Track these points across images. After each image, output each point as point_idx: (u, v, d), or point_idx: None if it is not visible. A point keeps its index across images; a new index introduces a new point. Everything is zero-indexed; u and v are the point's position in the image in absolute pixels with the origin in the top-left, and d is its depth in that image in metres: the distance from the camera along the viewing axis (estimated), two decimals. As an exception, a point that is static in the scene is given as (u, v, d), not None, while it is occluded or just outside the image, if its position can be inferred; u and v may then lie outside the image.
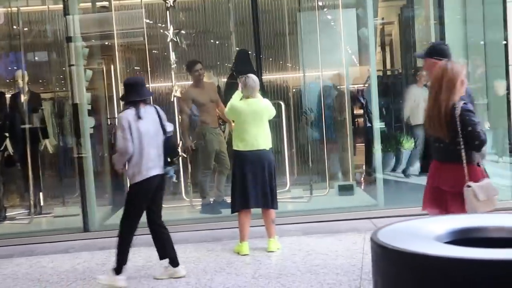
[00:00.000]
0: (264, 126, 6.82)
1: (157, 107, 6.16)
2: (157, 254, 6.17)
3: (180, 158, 9.02)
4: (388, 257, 2.20)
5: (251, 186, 6.72)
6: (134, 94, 5.93)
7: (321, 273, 5.94)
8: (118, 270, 5.88)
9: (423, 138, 9.60)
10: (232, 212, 6.98)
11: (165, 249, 6.10)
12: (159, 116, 6.01)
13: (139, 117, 5.80)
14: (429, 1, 8.69)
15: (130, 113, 5.81)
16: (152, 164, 5.87)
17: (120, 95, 9.03)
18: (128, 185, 6.17)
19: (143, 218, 6.03)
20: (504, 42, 7.88)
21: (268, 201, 6.79)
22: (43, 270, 6.81)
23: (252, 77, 6.90)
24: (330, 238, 7.23)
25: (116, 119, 6.01)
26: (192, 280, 6.05)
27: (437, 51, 5.12)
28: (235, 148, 6.87)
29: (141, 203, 5.99)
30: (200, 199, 8.95)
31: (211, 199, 8.86)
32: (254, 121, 6.74)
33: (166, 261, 6.12)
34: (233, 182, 6.93)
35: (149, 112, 5.94)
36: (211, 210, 8.71)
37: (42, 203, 9.49)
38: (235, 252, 6.89)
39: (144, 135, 5.83)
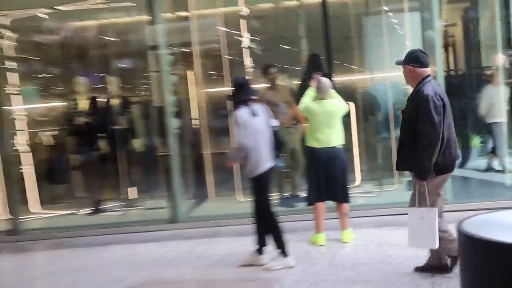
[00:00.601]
0: (336, 125, 6.83)
1: (263, 105, 6.20)
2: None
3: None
4: (474, 246, 2.21)
5: (324, 181, 6.75)
6: (245, 93, 6.03)
7: (394, 263, 5.92)
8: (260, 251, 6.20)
9: (498, 135, 9.45)
10: (308, 205, 7.01)
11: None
12: (265, 113, 6.11)
13: (254, 114, 5.92)
14: (494, 2, 8.47)
15: (245, 111, 5.92)
16: (266, 158, 6.00)
17: (201, 97, 9.20)
18: (249, 178, 6.13)
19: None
20: None
21: (341, 195, 6.82)
22: (136, 257, 7.07)
23: (324, 80, 6.92)
24: (400, 230, 7.06)
25: (233, 117, 5.99)
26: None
27: (413, 58, 5.23)
28: (309, 145, 6.89)
29: (266, 190, 6.10)
30: (276, 194, 8.81)
31: (286, 194, 8.89)
32: (327, 121, 6.76)
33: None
34: (308, 177, 7.01)
35: (259, 109, 6.05)
36: (286, 204, 8.70)
37: (133, 197, 9.72)
38: (311, 243, 6.93)
39: (259, 131, 5.94)
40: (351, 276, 5.67)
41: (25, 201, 9.69)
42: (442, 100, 5.09)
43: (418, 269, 5.60)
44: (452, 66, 13.30)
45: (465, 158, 10.30)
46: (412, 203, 5.28)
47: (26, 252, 8.09)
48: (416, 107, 5.09)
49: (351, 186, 8.57)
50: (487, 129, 10.00)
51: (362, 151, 9.60)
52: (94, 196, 9.68)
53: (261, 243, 6.24)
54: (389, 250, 6.43)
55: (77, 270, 6.78)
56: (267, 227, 6.15)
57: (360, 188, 9.20)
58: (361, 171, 9.46)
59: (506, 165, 9.50)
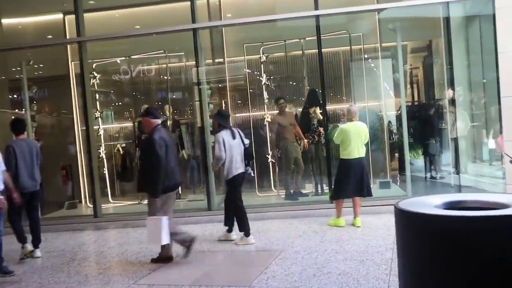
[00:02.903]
0: (362, 141, 6.83)
1: (238, 129, 6.55)
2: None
3: (270, 163, 9.38)
4: (406, 219, 2.47)
5: (352, 182, 6.76)
6: (226, 121, 6.42)
7: (367, 239, 6.08)
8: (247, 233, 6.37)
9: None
10: (335, 199, 7.00)
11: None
12: (240, 134, 6.44)
13: (232, 136, 6.24)
14: (443, 52, 8.58)
15: (225, 133, 6.24)
16: (238, 166, 6.30)
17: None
18: (225, 180, 6.45)
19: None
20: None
21: (365, 191, 6.84)
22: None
23: (354, 105, 7.06)
24: (373, 217, 7.29)
25: (215, 137, 6.32)
26: (280, 242, 6.30)
27: (148, 113, 5.66)
28: (342, 157, 6.83)
29: (237, 189, 6.42)
30: (284, 191, 9.07)
31: (291, 191, 8.96)
32: (356, 138, 6.76)
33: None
34: (338, 179, 6.92)
35: (236, 132, 6.40)
36: (291, 198, 8.82)
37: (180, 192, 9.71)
38: (331, 225, 6.92)
39: (234, 147, 6.26)
40: (335, 248, 5.82)
41: (105, 194, 9.78)
42: (165, 142, 5.47)
43: (153, 260, 5.79)
44: (416, 98, 13.42)
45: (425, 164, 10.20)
46: (149, 214, 5.56)
47: (103, 230, 8.21)
48: (148, 146, 5.44)
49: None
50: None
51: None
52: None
53: (230, 225, 6.54)
54: (362, 231, 6.59)
55: (141, 242, 6.89)
56: (235, 214, 6.44)
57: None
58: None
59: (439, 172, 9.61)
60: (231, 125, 6.47)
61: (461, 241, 2.23)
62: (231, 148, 6.17)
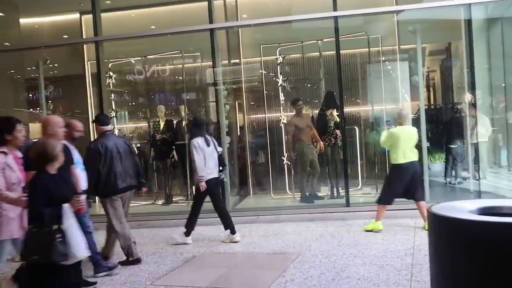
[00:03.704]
0: (413, 144, 6.70)
1: (212, 137, 6.69)
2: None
3: (286, 165, 9.32)
4: (436, 222, 2.42)
5: (402, 186, 6.56)
6: (201, 129, 6.50)
7: (385, 244, 6.02)
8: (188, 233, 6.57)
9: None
10: (381, 203, 6.79)
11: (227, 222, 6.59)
12: (213, 142, 6.59)
13: (207, 143, 6.41)
14: (463, 55, 8.46)
15: (199, 140, 6.38)
16: (210, 171, 6.45)
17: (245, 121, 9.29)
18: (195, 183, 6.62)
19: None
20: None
21: (421, 195, 6.72)
22: (198, 235, 7.01)
23: (406, 110, 7.03)
24: (391, 221, 7.20)
25: (191, 143, 6.47)
26: (297, 245, 6.25)
27: (96, 120, 5.82)
28: (393, 162, 6.65)
29: (204, 194, 6.54)
30: (299, 193, 8.97)
31: (307, 193, 8.87)
32: (406, 142, 6.63)
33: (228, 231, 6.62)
34: (388, 182, 6.79)
35: (210, 140, 6.55)
36: (306, 200, 8.76)
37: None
38: (367, 229, 6.72)
39: (206, 153, 6.40)
40: (353, 252, 5.77)
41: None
42: (108, 149, 5.54)
43: (121, 263, 5.75)
44: (432, 101, 13.31)
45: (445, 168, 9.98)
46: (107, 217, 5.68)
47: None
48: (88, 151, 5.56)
49: (353, 189, 8.65)
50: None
51: (363, 163, 9.64)
52: (166, 191, 9.74)
53: (231, 227, 6.61)
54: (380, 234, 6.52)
55: (157, 243, 6.91)
56: (219, 215, 6.58)
57: (361, 191, 9.14)
58: (362, 178, 9.43)
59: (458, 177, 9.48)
60: (205, 132, 6.61)
61: (496, 247, 2.17)
62: (205, 154, 6.42)
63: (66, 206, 3.57)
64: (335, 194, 8.97)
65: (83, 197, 3.93)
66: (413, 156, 6.68)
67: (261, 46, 9.51)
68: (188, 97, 10.13)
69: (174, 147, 9.65)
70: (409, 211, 7.03)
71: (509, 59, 8.08)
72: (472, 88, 8.06)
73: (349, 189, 8.25)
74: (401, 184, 6.62)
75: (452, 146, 9.50)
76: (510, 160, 9.53)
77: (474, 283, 2.23)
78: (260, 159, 10.10)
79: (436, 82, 13.16)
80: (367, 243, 6.16)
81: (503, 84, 9.03)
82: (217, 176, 6.61)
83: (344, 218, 7.48)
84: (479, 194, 7.95)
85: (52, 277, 3.47)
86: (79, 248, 3.50)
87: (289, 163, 9.24)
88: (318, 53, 9.70)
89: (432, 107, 12.92)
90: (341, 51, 8.08)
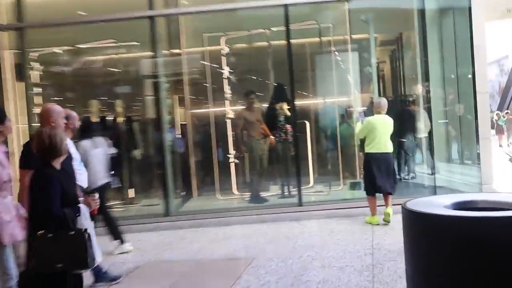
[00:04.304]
0: (388, 135, 6.94)
1: (103, 138, 6.42)
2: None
3: (232, 163, 9.28)
4: (412, 218, 2.47)
5: (381, 177, 6.84)
6: (90, 131, 6.26)
7: (343, 244, 6.09)
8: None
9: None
10: (367, 194, 7.02)
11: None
12: (103, 143, 6.34)
13: (95, 145, 6.14)
14: (415, 45, 8.73)
15: (87, 142, 6.06)
16: (100, 176, 6.12)
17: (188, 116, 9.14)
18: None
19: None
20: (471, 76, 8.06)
21: (393, 188, 6.94)
22: (140, 243, 6.94)
23: (383, 99, 7.14)
24: (347, 220, 7.33)
25: (78, 146, 5.90)
26: (250, 249, 6.21)
27: None
28: (367, 151, 6.94)
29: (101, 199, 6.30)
30: (248, 193, 8.92)
31: (257, 193, 8.80)
32: (384, 132, 6.88)
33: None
34: (366, 174, 7.03)
35: (100, 141, 6.28)
36: (256, 201, 8.68)
37: (132, 196, 9.53)
38: (367, 223, 6.96)
39: (94, 156, 6.07)
40: (311, 254, 5.82)
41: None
42: None
43: None
44: (382, 93, 13.58)
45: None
46: None
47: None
48: None
49: (305, 187, 8.76)
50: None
51: (315, 160, 9.77)
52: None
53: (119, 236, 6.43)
54: (338, 235, 6.61)
55: None
56: (106, 223, 6.28)
57: (313, 188, 9.23)
58: (314, 174, 9.51)
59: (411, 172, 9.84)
60: (94, 133, 6.39)
61: (476, 243, 2.24)
62: (92, 157, 6.11)
63: (83, 207, 3.42)
64: (286, 193, 9.01)
65: (96, 196, 3.71)
66: (388, 147, 6.92)
67: (205, 35, 9.40)
68: (124, 91, 9.86)
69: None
70: (365, 209, 7.18)
71: (461, 50, 8.43)
72: (426, 80, 8.35)
73: (301, 187, 8.29)
74: (379, 173, 6.83)
75: (402, 140, 9.81)
76: (461, 153, 9.95)
77: (454, 280, 2.29)
78: (204, 157, 9.97)
79: (386, 74, 13.52)
80: (324, 244, 6.22)
81: (452, 76, 9.36)
82: (108, 180, 6.31)
83: (297, 218, 7.55)
84: (434, 190, 8.26)
85: (64, 285, 3.29)
86: (98, 252, 3.41)
87: (237, 161, 9.20)
88: (267, 43, 9.73)
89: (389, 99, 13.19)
90: (291, 41, 8.10)
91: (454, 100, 9.30)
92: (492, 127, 19.00)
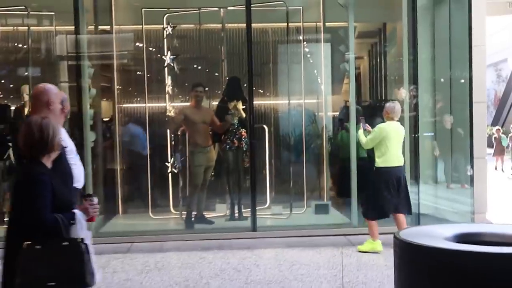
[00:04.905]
0: (401, 145, 7.12)
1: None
2: None
3: (170, 174, 9.24)
4: (407, 252, 2.56)
5: (390, 196, 6.93)
6: None
7: (307, 281, 6.15)
8: None
9: None
10: (368, 218, 7.20)
11: None
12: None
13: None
14: (402, 39, 8.95)
15: None
16: None
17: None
18: None
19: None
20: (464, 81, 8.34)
21: (405, 207, 7.09)
22: None
23: (397, 103, 7.30)
24: (309, 250, 7.46)
25: None
26: (190, 284, 6.19)
27: None
28: (379, 165, 7.05)
29: None
30: (191, 212, 8.80)
31: (201, 213, 8.80)
32: (398, 141, 7.04)
33: None
34: (372, 193, 7.13)
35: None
36: (200, 222, 8.70)
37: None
38: (362, 251, 7.12)
39: None
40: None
41: None
42: None
43: None
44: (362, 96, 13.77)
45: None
46: None
47: None
48: None
49: (260, 208, 8.82)
50: None
51: (273, 174, 9.80)
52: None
53: None
54: (301, 269, 6.65)
55: None
56: None
57: (269, 210, 9.32)
58: (271, 192, 9.62)
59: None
60: None
61: (483, 280, 2.35)
62: None
63: (78, 213, 3.38)
64: (237, 215, 9.04)
65: (96, 200, 3.60)
66: (401, 160, 7.14)
67: (144, 10, 9.35)
68: (35, 73, 9.66)
69: (10, 143, 9.10)
70: (332, 238, 7.31)
71: (456, 49, 8.69)
72: (413, 82, 8.58)
73: (256, 208, 8.37)
74: (388, 192, 6.96)
75: None
76: (450, 175, 10.25)
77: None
78: (134, 164, 9.86)
79: (363, 72, 13.74)
80: (283, 280, 6.28)
81: (444, 80, 9.60)
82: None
83: (250, 246, 7.59)
84: (417, 218, 8.44)
85: None
86: (97, 268, 3.34)
87: (175, 171, 9.17)
88: (221, 25, 9.79)
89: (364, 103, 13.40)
90: (252, 25, 8.20)
91: (445, 109, 9.57)
92: (489, 145, 18.84)
